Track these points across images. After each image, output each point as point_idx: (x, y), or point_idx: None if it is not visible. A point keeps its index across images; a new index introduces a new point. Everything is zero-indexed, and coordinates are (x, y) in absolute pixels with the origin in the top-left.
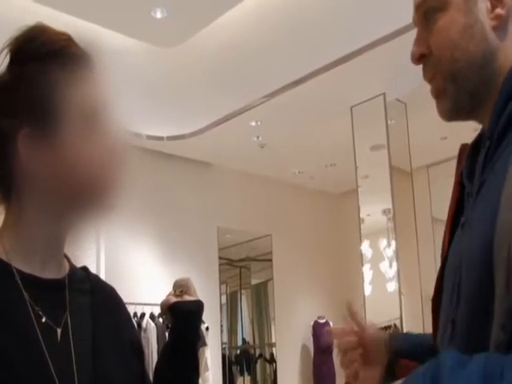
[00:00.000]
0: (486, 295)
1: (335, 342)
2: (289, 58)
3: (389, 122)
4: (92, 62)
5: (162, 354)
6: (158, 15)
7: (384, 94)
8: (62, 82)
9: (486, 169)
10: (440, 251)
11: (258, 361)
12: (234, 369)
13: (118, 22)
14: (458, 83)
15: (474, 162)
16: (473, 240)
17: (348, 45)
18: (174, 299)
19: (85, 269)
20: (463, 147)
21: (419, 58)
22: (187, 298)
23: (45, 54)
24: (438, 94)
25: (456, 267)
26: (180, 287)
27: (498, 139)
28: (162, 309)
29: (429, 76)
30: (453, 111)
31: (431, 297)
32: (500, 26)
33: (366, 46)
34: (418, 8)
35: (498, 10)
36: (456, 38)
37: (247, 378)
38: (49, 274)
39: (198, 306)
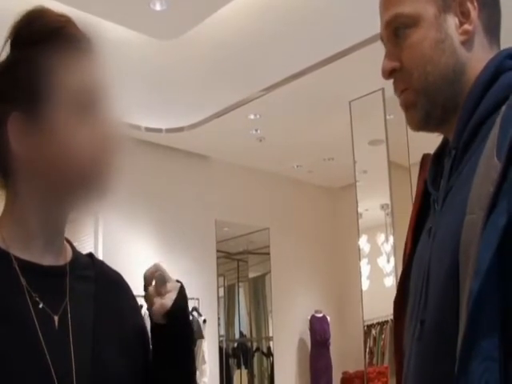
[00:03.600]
0: (453, 298)
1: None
2: (288, 51)
3: (387, 116)
4: (90, 46)
5: (156, 350)
6: (158, 7)
7: (383, 88)
8: (57, 65)
9: (451, 177)
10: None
11: (255, 354)
12: (231, 362)
13: (118, 14)
14: (430, 96)
15: (437, 171)
16: (441, 245)
17: (347, 39)
18: (158, 301)
19: (90, 255)
20: (425, 156)
21: (390, 72)
22: (169, 286)
23: (41, 36)
24: (407, 107)
25: (423, 271)
26: (161, 280)
27: (463, 149)
28: (155, 316)
29: (400, 89)
30: (423, 122)
31: (394, 299)
32: (468, 40)
33: (365, 41)
34: (387, 25)
35: (466, 26)
36: (428, 52)
37: (244, 371)
38: (49, 260)
39: (184, 295)
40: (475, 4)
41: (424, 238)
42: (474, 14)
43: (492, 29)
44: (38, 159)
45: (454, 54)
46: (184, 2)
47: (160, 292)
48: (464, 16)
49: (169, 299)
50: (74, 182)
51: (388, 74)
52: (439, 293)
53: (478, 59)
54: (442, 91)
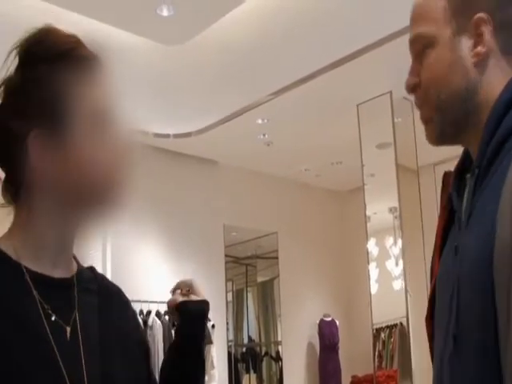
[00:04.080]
0: (492, 313)
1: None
2: (295, 55)
3: (395, 120)
4: (100, 64)
5: (168, 352)
6: (165, 13)
7: (391, 92)
8: (71, 84)
9: (475, 195)
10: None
11: (264, 359)
12: (240, 367)
13: (125, 20)
14: (443, 114)
15: (460, 186)
16: (471, 263)
17: (355, 43)
18: (180, 298)
19: (92, 269)
20: (446, 173)
21: (413, 88)
22: (194, 297)
23: (53, 55)
24: (425, 122)
25: (453, 288)
26: (187, 286)
27: (485, 168)
28: (168, 307)
29: (418, 104)
30: (439, 137)
31: (425, 317)
32: (480, 62)
33: (372, 44)
34: (411, 43)
35: (479, 48)
36: (441, 73)
37: (253, 376)
38: (59, 273)
39: (204, 306)
40: (490, 26)
41: (449, 254)
42: (487, 36)
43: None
44: (56, 175)
45: (466, 75)
46: (191, 7)
47: (183, 293)
48: (478, 38)
49: (183, 297)
50: (90, 197)
51: (410, 89)
52: (475, 310)
53: (494, 80)
54: (454, 109)
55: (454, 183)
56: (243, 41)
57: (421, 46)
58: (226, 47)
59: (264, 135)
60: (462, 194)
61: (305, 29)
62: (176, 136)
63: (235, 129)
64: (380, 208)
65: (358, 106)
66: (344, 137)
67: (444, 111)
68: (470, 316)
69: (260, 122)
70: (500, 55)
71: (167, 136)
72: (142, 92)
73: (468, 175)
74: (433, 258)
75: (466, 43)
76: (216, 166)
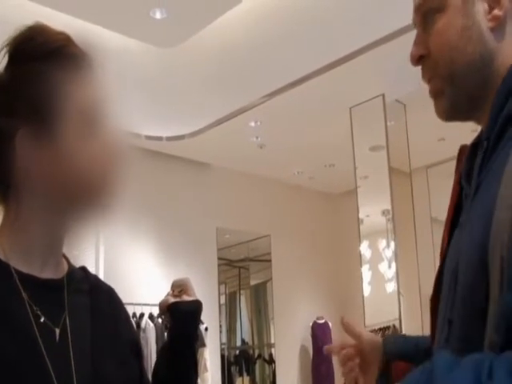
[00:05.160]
0: (481, 296)
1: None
2: (288, 58)
3: (388, 122)
4: (91, 62)
5: (160, 354)
6: (158, 16)
7: (383, 94)
8: (61, 82)
9: (483, 170)
10: (439, 252)
11: (257, 361)
12: (233, 369)
13: (118, 23)
14: (456, 85)
15: (472, 163)
16: (469, 241)
17: (347, 45)
18: (172, 299)
19: (83, 269)
20: (462, 148)
21: (418, 59)
22: (186, 298)
23: (43, 53)
24: (436, 95)
25: (453, 268)
26: (179, 287)
27: (495, 141)
28: (160, 309)
29: (427, 77)
30: (450, 112)
31: (430, 296)
32: (497, 27)
33: (365, 47)
34: (417, 9)
35: (496, 12)
36: (454, 39)
37: (246, 379)
38: (48, 274)
39: (196, 307)
40: None
41: (457, 233)
42: None
43: None
44: (45, 174)
45: (482, 41)
46: (184, 10)
47: (175, 294)
48: (494, 1)
49: (175, 298)
50: (80, 197)
51: (416, 60)
52: (466, 292)
53: (510, 47)
54: (468, 79)
55: (466, 159)
56: (236, 44)
57: (428, 12)
58: (219, 50)
59: (257, 138)
60: (472, 169)
61: (297, 32)
62: (169, 138)
63: (228, 131)
64: (373, 210)
65: (350, 108)
66: (337, 139)
67: (457, 81)
68: (462, 300)
69: (253, 124)
70: None
71: (160, 138)
72: (135, 94)
73: (479, 151)
74: (443, 235)
75: (480, 6)
76: (209, 168)
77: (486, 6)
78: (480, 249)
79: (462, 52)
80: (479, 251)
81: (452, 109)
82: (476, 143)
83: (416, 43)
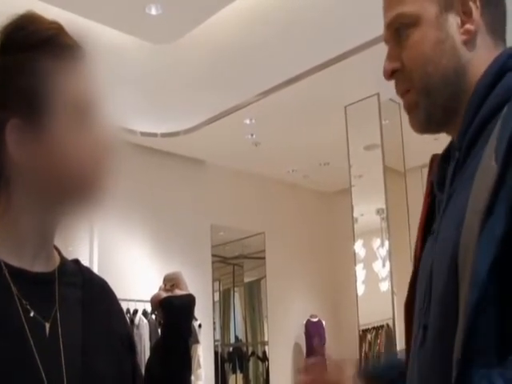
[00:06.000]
0: (454, 301)
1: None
2: (283, 56)
3: (383, 121)
4: (83, 53)
5: (153, 350)
6: (153, 12)
7: (378, 93)
8: (52, 72)
9: (455, 179)
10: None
11: (251, 359)
12: (227, 366)
13: (113, 19)
14: (431, 97)
15: (444, 172)
16: (442, 248)
17: (342, 44)
18: (164, 294)
19: (76, 262)
20: (433, 157)
21: (392, 73)
22: (178, 292)
23: (34, 42)
24: (410, 109)
25: (427, 275)
26: (170, 281)
27: (466, 151)
28: (152, 304)
29: (401, 90)
30: (425, 124)
31: (404, 303)
32: (469, 40)
33: (360, 46)
34: (389, 25)
35: (468, 26)
36: (428, 52)
37: (239, 376)
38: (38, 267)
39: (189, 300)
40: (478, 3)
41: (429, 241)
42: (476, 13)
43: (496, 28)
44: (35, 166)
45: (455, 54)
46: (180, 6)
47: (167, 289)
48: (466, 15)
49: (166, 293)
50: (70, 189)
51: (389, 74)
52: (439, 299)
53: (481, 59)
54: (442, 91)
55: (438, 168)
56: (231, 41)
57: (401, 27)
58: (215, 47)
59: (252, 135)
60: (444, 178)
61: (293, 30)
62: (163, 135)
63: (223, 129)
64: (367, 209)
65: (345, 107)
66: (332, 138)
67: (432, 93)
68: (436, 305)
69: (248, 122)
70: (486, 33)
71: (155, 135)
72: (130, 90)
73: (451, 161)
74: (416, 242)
75: (453, 20)
76: (203, 165)
77: (458, 20)
78: (453, 256)
79: (437, 65)
80: (452, 258)
81: (427, 121)
82: (447, 152)
83: (389, 57)
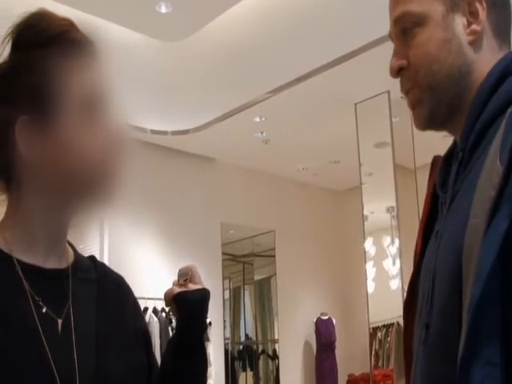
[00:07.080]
0: (456, 301)
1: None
2: (293, 54)
3: (393, 119)
4: (94, 50)
5: (168, 345)
6: (163, 10)
7: (388, 91)
8: (62, 69)
9: (458, 180)
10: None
11: (261, 357)
12: (237, 364)
13: (123, 17)
14: (435, 95)
15: (447, 173)
16: (446, 248)
17: (352, 42)
18: (177, 289)
19: (92, 258)
20: (436, 158)
21: (398, 71)
22: (192, 286)
23: (45, 39)
24: (414, 105)
25: (430, 274)
26: (184, 276)
27: (470, 152)
28: (166, 300)
29: (406, 88)
30: (428, 121)
31: (404, 301)
32: (475, 41)
33: (370, 43)
34: (396, 22)
35: (474, 26)
36: (435, 52)
37: (250, 374)
38: (51, 263)
39: (203, 295)
40: (484, 4)
41: (432, 240)
42: (482, 14)
43: (501, 30)
44: (45, 163)
45: (461, 53)
46: (189, 4)
47: (181, 284)
48: (472, 16)
49: (180, 288)
50: (81, 186)
51: (395, 72)
52: (443, 297)
53: (486, 60)
54: (447, 90)
55: (440, 169)
56: (241, 38)
57: (408, 25)
58: (224, 44)
59: (262, 133)
60: (448, 180)
61: (303, 27)
62: (174, 133)
63: (233, 126)
64: (377, 207)
65: (355, 105)
66: (342, 136)
67: (436, 91)
68: (440, 304)
69: (258, 120)
70: (491, 35)
71: (165, 133)
72: (140, 88)
73: (454, 162)
74: (416, 242)
75: (459, 21)
76: (213, 163)
77: (464, 20)
78: (457, 256)
79: (442, 63)
80: (456, 258)
81: (431, 117)
82: (450, 153)
83: (396, 55)
